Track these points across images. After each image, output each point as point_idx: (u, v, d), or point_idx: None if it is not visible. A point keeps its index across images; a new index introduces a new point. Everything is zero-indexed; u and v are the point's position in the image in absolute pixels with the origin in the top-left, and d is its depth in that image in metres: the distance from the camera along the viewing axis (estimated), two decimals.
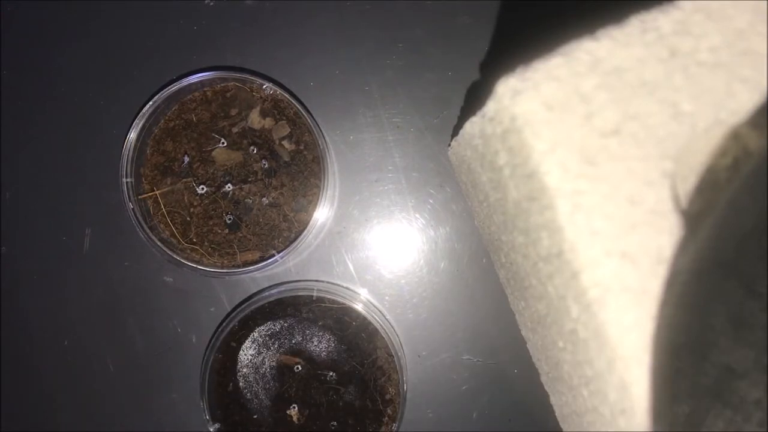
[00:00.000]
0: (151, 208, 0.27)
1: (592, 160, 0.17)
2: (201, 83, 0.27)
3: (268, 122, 0.27)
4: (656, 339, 0.17)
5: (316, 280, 0.29)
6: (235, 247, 0.27)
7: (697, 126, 0.18)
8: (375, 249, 0.29)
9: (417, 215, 0.29)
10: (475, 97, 0.28)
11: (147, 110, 0.26)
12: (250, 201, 0.27)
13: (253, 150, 0.27)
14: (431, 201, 0.29)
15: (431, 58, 0.29)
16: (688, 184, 0.18)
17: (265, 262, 0.26)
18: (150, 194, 0.27)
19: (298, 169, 0.27)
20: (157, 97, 0.26)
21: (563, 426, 0.25)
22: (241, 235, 0.27)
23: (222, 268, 0.27)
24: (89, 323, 0.29)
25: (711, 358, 0.14)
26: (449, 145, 0.27)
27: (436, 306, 0.29)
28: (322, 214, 0.27)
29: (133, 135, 0.26)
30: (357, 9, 0.29)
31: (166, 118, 0.27)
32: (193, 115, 0.27)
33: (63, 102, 0.29)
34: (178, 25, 0.28)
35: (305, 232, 0.26)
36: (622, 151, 0.17)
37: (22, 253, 0.29)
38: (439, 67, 0.28)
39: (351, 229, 0.29)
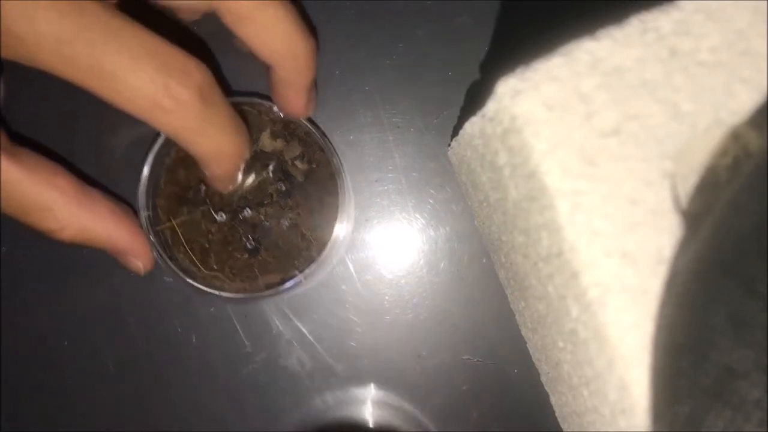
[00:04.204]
0: (169, 238, 0.27)
1: (592, 160, 0.17)
2: None
3: (279, 143, 0.27)
4: (656, 339, 0.17)
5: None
6: (256, 270, 0.27)
7: (697, 126, 0.18)
8: (375, 249, 0.29)
9: (417, 215, 0.29)
10: (475, 97, 0.28)
11: (159, 142, 0.26)
12: (268, 224, 0.27)
13: (267, 173, 0.27)
14: (431, 201, 0.29)
15: (431, 58, 0.28)
16: (688, 184, 0.18)
17: (288, 284, 0.26)
18: (167, 225, 0.27)
19: (312, 188, 0.27)
20: None
21: (563, 426, 0.25)
22: (260, 258, 0.27)
23: (245, 293, 0.26)
24: (89, 323, 0.29)
25: (711, 358, 0.14)
26: (449, 145, 0.27)
27: (436, 306, 0.29)
28: (341, 230, 0.27)
29: (146, 169, 0.26)
30: (357, 9, 0.29)
31: (177, 147, 0.27)
32: None
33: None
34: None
35: (327, 250, 0.26)
36: (622, 151, 0.17)
37: (22, 253, 0.29)
38: (439, 67, 0.28)
39: (351, 229, 0.29)
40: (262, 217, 0.27)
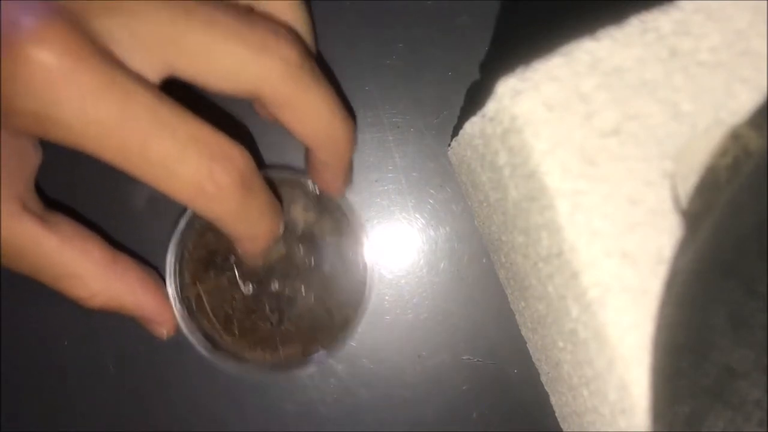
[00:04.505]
0: (194, 303, 0.27)
1: (592, 160, 0.17)
2: None
3: (310, 216, 0.27)
4: (656, 339, 0.17)
5: None
6: (278, 341, 0.27)
7: (697, 126, 0.18)
8: (375, 249, 0.29)
9: (417, 215, 0.29)
10: (475, 97, 0.28)
11: (190, 211, 0.26)
12: (293, 295, 0.27)
13: (296, 245, 0.27)
14: (431, 201, 0.29)
15: (431, 58, 0.28)
16: (688, 184, 0.18)
17: (309, 361, 0.27)
18: (193, 290, 0.27)
19: (340, 263, 0.27)
20: None
21: (563, 426, 0.25)
22: (283, 328, 0.27)
23: (265, 363, 0.27)
24: (89, 323, 0.29)
25: (711, 358, 0.14)
26: (449, 145, 0.27)
27: (436, 306, 0.29)
28: (365, 307, 0.27)
29: (176, 235, 0.26)
30: (357, 9, 0.29)
31: None
32: None
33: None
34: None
35: (350, 328, 0.27)
36: (622, 151, 0.17)
37: None
38: (439, 67, 0.28)
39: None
40: (288, 289, 0.27)
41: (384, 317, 0.29)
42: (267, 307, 0.27)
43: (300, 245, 0.27)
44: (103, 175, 0.28)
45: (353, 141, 0.24)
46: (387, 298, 0.29)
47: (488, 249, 0.28)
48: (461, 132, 0.23)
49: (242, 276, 0.27)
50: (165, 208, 0.28)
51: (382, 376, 0.29)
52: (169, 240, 0.27)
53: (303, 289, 0.27)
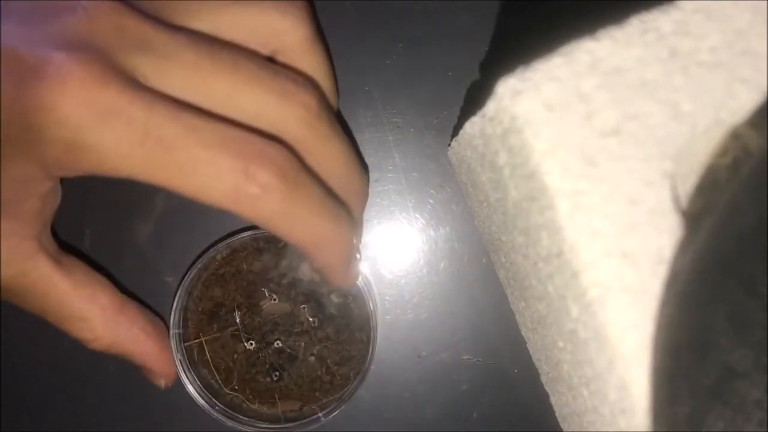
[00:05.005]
0: (195, 353, 0.27)
1: (592, 160, 0.17)
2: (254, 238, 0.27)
3: (317, 275, 0.27)
4: (656, 339, 0.17)
5: None
6: (276, 396, 0.27)
7: (697, 126, 0.18)
8: (375, 249, 0.29)
9: (417, 215, 0.29)
10: (475, 97, 0.28)
11: (200, 262, 0.27)
12: (294, 353, 0.27)
13: (302, 305, 0.27)
14: (431, 201, 0.29)
15: (431, 58, 0.28)
16: (688, 184, 0.18)
17: (306, 421, 0.27)
18: (196, 341, 0.27)
19: (344, 322, 0.27)
20: (211, 250, 0.27)
21: (563, 426, 0.25)
22: (283, 384, 0.27)
23: (262, 419, 0.27)
24: None
25: (711, 358, 0.14)
26: (449, 145, 0.27)
27: (436, 306, 0.29)
28: (367, 367, 0.27)
29: (182, 288, 0.27)
30: (357, 9, 0.29)
31: (217, 264, 0.27)
32: (244, 264, 0.27)
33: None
34: None
35: (350, 389, 0.27)
36: (622, 151, 0.17)
37: None
38: (439, 67, 0.28)
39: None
40: (290, 347, 0.27)
41: (384, 317, 0.29)
42: (268, 363, 0.27)
43: (305, 304, 0.27)
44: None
45: (366, 194, 0.25)
46: (387, 298, 0.29)
47: (488, 249, 0.28)
48: (461, 132, 0.23)
49: (245, 331, 0.27)
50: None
51: (382, 376, 0.29)
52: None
53: (305, 348, 0.27)
